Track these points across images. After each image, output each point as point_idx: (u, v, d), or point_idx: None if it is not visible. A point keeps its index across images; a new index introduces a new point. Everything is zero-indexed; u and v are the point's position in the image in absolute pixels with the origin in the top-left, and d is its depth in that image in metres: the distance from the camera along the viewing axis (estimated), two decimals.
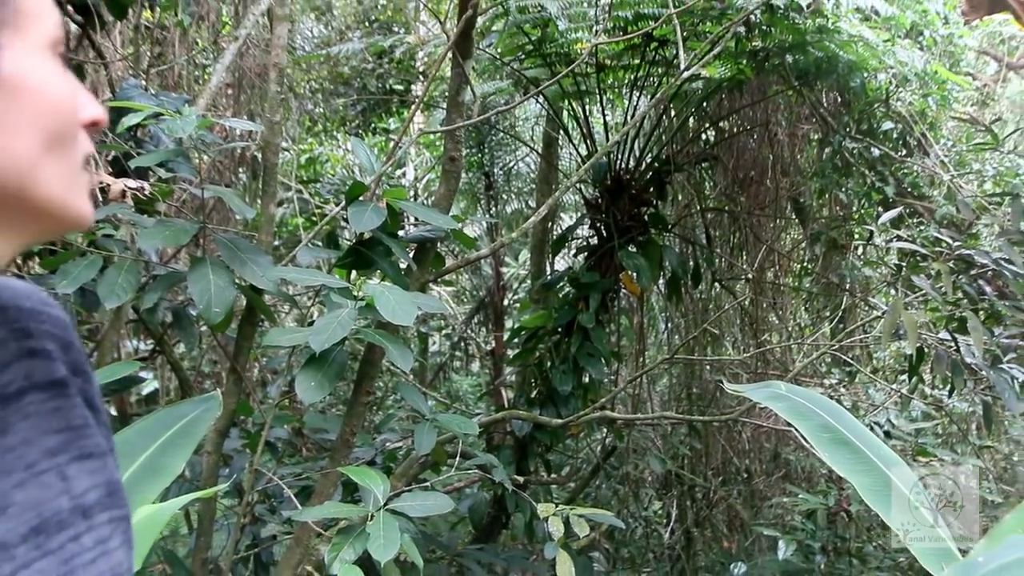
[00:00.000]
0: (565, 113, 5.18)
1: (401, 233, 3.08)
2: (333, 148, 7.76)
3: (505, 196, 7.37)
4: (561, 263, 6.52)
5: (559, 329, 4.67)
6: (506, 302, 7.37)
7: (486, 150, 6.88)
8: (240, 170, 5.90)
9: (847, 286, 5.20)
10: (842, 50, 4.12)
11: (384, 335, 2.57)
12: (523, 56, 4.76)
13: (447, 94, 3.41)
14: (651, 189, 4.86)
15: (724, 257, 5.73)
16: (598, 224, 4.82)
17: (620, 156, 4.73)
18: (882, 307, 4.38)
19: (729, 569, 4.71)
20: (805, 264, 5.90)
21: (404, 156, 7.30)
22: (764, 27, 4.14)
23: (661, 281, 5.30)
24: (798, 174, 5.47)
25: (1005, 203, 4.30)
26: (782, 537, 4.21)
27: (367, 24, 7.56)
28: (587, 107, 4.88)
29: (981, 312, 3.87)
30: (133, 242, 2.84)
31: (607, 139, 5.05)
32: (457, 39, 3.11)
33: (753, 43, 4.23)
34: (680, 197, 5.84)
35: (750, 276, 5.51)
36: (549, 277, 5.34)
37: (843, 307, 5.30)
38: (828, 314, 5.72)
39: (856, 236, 5.24)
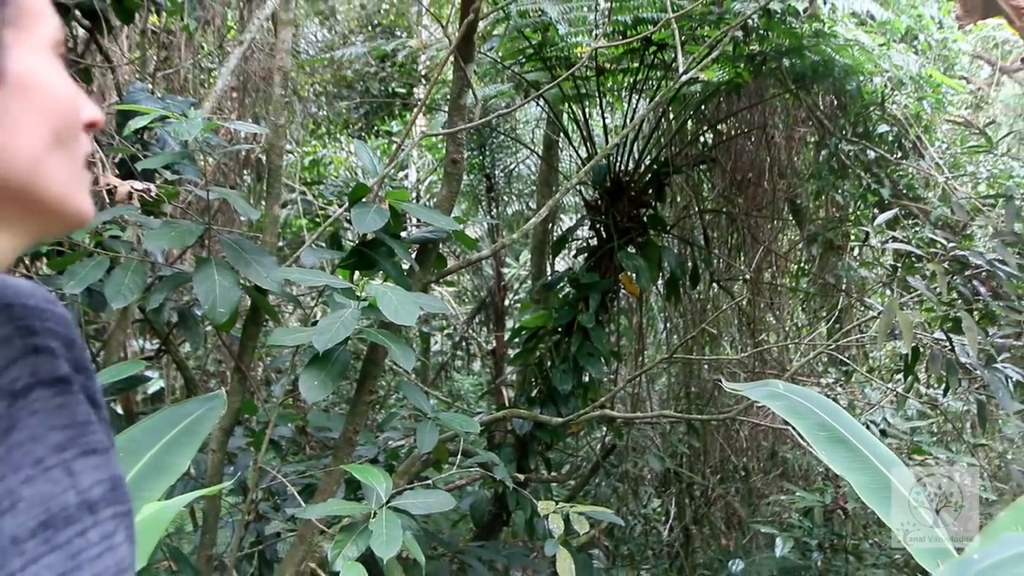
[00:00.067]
0: (565, 116, 5.19)
1: (403, 234, 3.08)
2: (336, 150, 7.76)
3: (506, 198, 7.35)
4: (561, 264, 6.53)
5: (559, 329, 4.68)
6: (507, 302, 7.37)
7: (487, 152, 6.87)
8: (245, 172, 5.89)
9: (843, 286, 5.19)
10: (838, 54, 4.13)
11: (387, 335, 2.58)
12: (524, 60, 4.77)
13: (449, 97, 3.41)
14: (650, 191, 4.88)
15: (722, 258, 5.74)
16: (598, 225, 4.84)
17: (619, 158, 4.74)
18: (878, 307, 4.40)
19: (727, 566, 4.71)
20: (802, 265, 5.91)
21: (406, 158, 7.31)
22: (761, 31, 4.16)
23: (660, 281, 5.30)
24: (795, 176, 5.48)
25: (999, 205, 4.32)
26: (779, 534, 4.22)
27: (370, 28, 7.55)
28: (587, 110, 4.89)
29: (975, 312, 3.87)
30: (139, 243, 2.85)
31: (607, 142, 5.06)
32: (459, 43, 3.12)
33: (750, 47, 4.24)
34: (679, 199, 5.85)
35: (748, 277, 5.51)
36: (549, 278, 5.35)
37: (839, 307, 5.29)
38: (825, 314, 5.71)
39: (852, 237, 5.23)
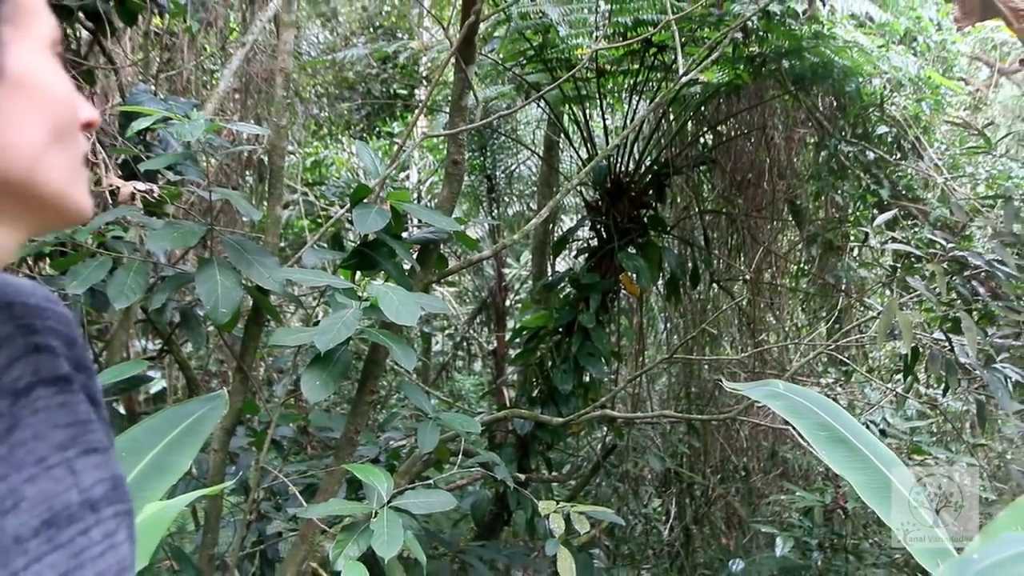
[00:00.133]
0: (566, 117, 5.20)
1: (405, 235, 3.08)
2: (338, 151, 7.76)
3: (507, 198, 7.35)
4: (562, 264, 6.55)
5: (560, 329, 4.69)
6: (508, 303, 7.37)
7: (488, 153, 6.87)
8: (247, 173, 5.89)
9: (843, 287, 5.20)
10: (837, 55, 4.14)
11: (388, 335, 2.58)
12: (525, 61, 4.78)
13: (450, 98, 3.42)
14: (650, 192, 4.88)
15: (722, 258, 5.74)
16: (598, 226, 4.85)
17: (620, 159, 4.75)
18: (877, 307, 4.40)
19: (727, 566, 4.71)
20: (802, 265, 5.91)
21: (408, 159, 7.32)
22: (761, 33, 4.17)
23: (660, 282, 5.31)
24: (795, 177, 5.48)
25: (998, 205, 4.32)
26: (780, 534, 4.22)
27: (371, 30, 7.55)
28: (587, 111, 4.90)
29: (975, 313, 3.88)
30: (142, 243, 2.85)
31: (607, 143, 5.07)
32: (460, 45, 3.13)
33: (750, 49, 4.25)
34: (679, 199, 5.85)
35: (748, 277, 5.51)
36: (550, 278, 5.36)
37: (839, 308, 5.29)
38: (824, 314, 5.72)
39: (852, 238, 5.23)
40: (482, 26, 3.88)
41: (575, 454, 6.10)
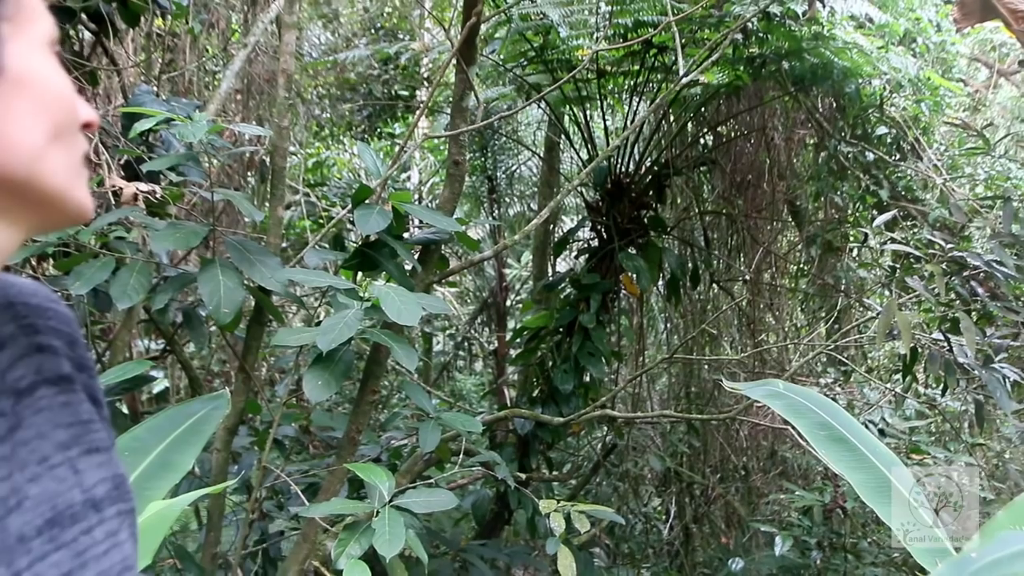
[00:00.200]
0: (566, 118, 5.20)
1: (406, 235, 3.09)
2: (340, 152, 7.76)
3: (508, 199, 7.37)
4: (563, 265, 6.57)
5: (560, 329, 4.70)
6: (509, 303, 7.39)
7: (489, 154, 6.87)
8: (249, 174, 5.89)
9: (842, 287, 5.20)
10: (837, 57, 4.15)
11: (389, 335, 2.59)
12: (525, 62, 4.79)
13: (451, 99, 3.42)
14: (651, 192, 4.90)
15: (722, 259, 5.75)
16: (599, 227, 4.86)
17: (620, 160, 4.76)
18: (876, 308, 4.39)
19: (727, 564, 4.71)
20: (801, 266, 5.92)
21: (409, 160, 7.32)
22: (761, 34, 4.17)
23: (660, 282, 5.32)
24: (794, 178, 5.49)
25: (996, 206, 4.32)
26: (779, 533, 4.22)
27: (373, 31, 7.57)
28: (588, 112, 4.90)
29: (973, 313, 3.89)
30: (145, 244, 2.86)
31: (607, 143, 5.07)
32: (461, 46, 3.14)
33: (750, 50, 4.25)
34: (679, 200, 5.86)
35: (747, 277, 5.53)
36: (551, 278, 5.37)
37: (838, 308, 5.28)
38: (824, 315, 5.71)
39: (851, 238, 5.23)
40: (483, 27, 3.88)
41: (575, 453, 6.12)
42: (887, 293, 4.75)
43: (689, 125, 5.24)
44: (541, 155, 6.31)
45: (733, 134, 5.47)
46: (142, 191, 2.95)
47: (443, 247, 3.30)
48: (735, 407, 4.65)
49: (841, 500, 4.23)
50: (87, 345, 0.79)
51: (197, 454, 2.05)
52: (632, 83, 4.68)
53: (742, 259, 5.71)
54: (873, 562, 4.38)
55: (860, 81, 4.36)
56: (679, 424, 5.67)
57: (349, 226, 3.41)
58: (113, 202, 2.91)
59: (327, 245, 3.13)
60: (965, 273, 3.93)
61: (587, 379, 4.67)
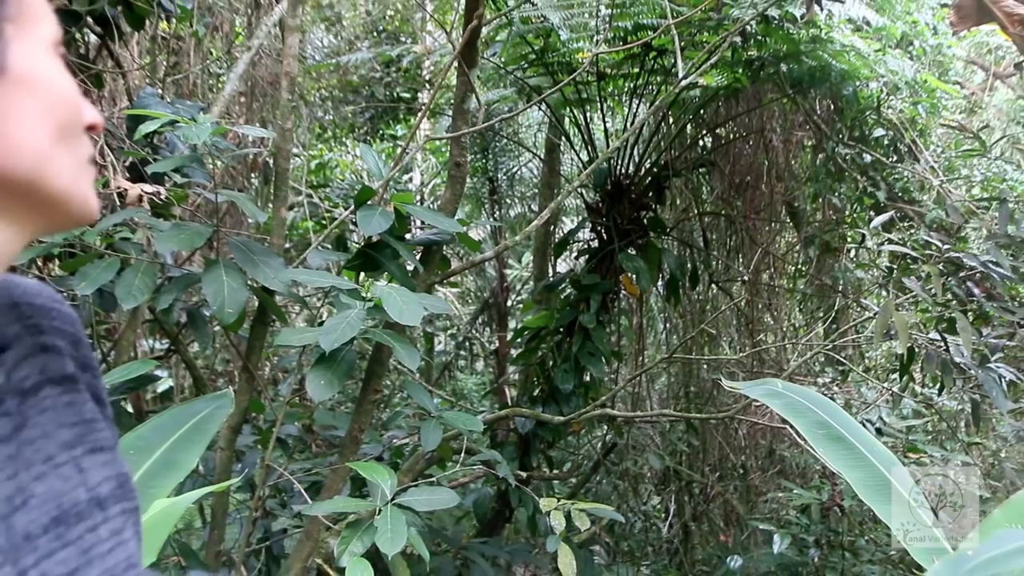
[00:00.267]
0: (567, 120, 5.21)
1: (408, 236, 3.10)
2: (342, 154, 7.76)
3: (509, 200, 7.38)
4: (563, 265, 6.58)
5: (561, 329, 4.72)
6: (510, 303, 7.41)
7: (490, 156, 6.89)
8: (252, 175, 5.89)
9: (840, 288, 5.20)
10: (835, 59, 4.16)
11: (391, 335, 2.60)
12: (526, 65, 4.80)
13: (453, 102, 3.44)
14: (650, 194, 4.91)
15: (721, 260, 5.75)
16: (599, 228, 4.87)
17: (620, 162, 4.78)
18: (874, 308, 4.41)
19: (726, 562, 4.72)
20: (799, 266, 5.93)
21: (411, 162, 7.33)
22: (759, 37, 4.18)
23: (660, 283, 5.33)
24: (792, 179, 5.50)
25: (992, 207, 4.34)
26: (777, 531, 4.24)
27: (375, 34, 7.59)
28: (588, 114, 4.91)
29: (970, 313, 3.90)
30: (150, 245, 2.87)
31: (607, 145, 5.08)
32: (462, 49, 3.15)
33: (749, 53, 4.27)
34: (678, 201, 5.87)
35: (746, 278, 5.54)
36: (551, 279, 5.39)
37: (836, 308, 5.29)
38: (821, 315, 5.73)
39: (849, 239, 5.24)
40: (484, 30, 3.89)
41: (576, 452, 6.13)
42: (884, 293, 4.76)
43: (688, 127, 5.25)
44: (542, 157, 6.31)
45: (732, 136, 5.48)
46: (147, 192, 2.97)
47: (444, 248, 3.31)
48: (734, 406, 4.68)
49: (839, 498, 4.24)
50: (92, 345, 0.80)
51: (201, 453, 2.07)
52: (632, 85, 4.70)
53: (741, 260, 5.73)
54: (870, 559, 4.40)
55: (858, 83, 4.38)
56: (678, 423, 5.69)
57: (352, 227, 3.42)
58: (118, 203, 2.92)
59: (330, 246, 3.15)
60: (961, 274, 3.94)
61: (587, 379, 4.68)
